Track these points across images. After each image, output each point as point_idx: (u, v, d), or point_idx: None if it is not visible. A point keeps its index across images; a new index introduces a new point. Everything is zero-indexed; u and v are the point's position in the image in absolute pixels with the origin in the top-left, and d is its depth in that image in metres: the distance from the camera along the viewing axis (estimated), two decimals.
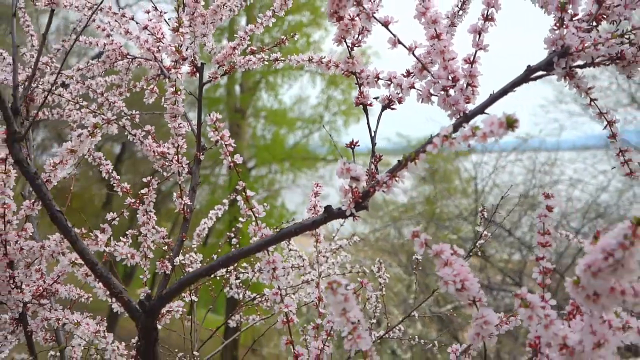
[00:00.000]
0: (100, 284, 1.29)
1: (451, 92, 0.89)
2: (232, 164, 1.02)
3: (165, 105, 1.31)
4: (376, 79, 0.98)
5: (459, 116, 0.87)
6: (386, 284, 2.11)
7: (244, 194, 1.02)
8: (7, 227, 1.21)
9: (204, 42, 1.58)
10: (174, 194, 1.46)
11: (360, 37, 0.97)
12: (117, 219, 1.33)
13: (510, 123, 0.64)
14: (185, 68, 1.54)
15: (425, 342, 2.39)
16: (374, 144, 0.97)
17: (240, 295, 2.14)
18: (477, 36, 0.88)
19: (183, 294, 1.89)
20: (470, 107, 0.87)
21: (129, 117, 1.54)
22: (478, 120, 0.84)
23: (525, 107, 9.80)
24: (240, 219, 2.02)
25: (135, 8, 10.64)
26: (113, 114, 1.65)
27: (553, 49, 0.81)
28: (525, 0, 0.90)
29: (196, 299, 1.91)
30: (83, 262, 1.13)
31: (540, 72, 0.83)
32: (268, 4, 8.56)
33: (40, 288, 1.32)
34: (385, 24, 0.91)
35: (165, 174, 1.49)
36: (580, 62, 0.82)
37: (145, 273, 1.46)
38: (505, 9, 0.92)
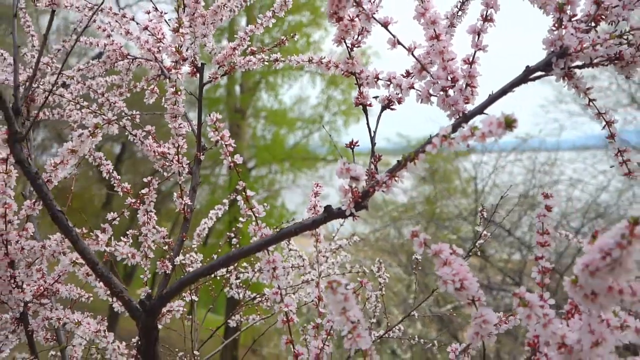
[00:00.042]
0: (101, 283, 1.29)
1: (450, 92, 0.89)
2: (232, 164, 1.02)
3: (165, 106, 1.31)
4: (376, 80, 0.98)
5: (458, 116, 0.88)
6: (386, 284, 2.12)
7: (244, 194, 1.02)
8: (8, 227, 1.22)
9: (204, 42, 1.58)
10: (174, 194, 1.46)
11: (359, 38, 0.98)
12: (118, 218, 1.33)
13: (508, 123, 0.65)
14: (186, 68, 1.54)
15: (425, 342, 2.40)
16: (373, 144, 0.97)
17: (241, 295, 2.15)
18: (476, 37, 0.89)
19: (183, 294, 1.89)
20: (470, 107, 0.88)
21: (129, 117, 1.54)
22: (477, 120, 0.84)
23: (525, 107, 9.80)
24: (241, 219, 2.03)
25: (135, 8, 10.65)
26: (114, 114, 1.66)
27: (552, 49, 0.82)
28: (524, 1, 0.90)
29: (196, 299, 1.92)
30: (84, 262, 1.13)
31: (539, 73, 0.83)
32: (268, 4, 8.56)
33: (41, 288, 1.32)
34: (385, 25, 0.91)
35: (165, 174, 1.49)
36: (578, 63, 0.82)
37: (146, 273, 1.46)
38: (505, 9, 0.92)
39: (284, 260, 1.99)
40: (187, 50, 1.47)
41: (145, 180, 1.38)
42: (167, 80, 1.42)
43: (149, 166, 9.56)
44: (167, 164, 1.45)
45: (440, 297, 7.36)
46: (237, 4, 1.53)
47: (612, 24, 0.84)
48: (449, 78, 0.89)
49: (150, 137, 1.49)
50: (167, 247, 1.51)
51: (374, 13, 0.90)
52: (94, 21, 1.57)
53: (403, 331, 2.17)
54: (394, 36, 0.92)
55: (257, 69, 1.65)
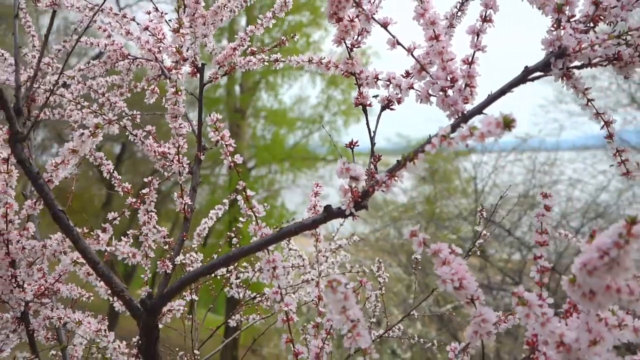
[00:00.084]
0: (102, 283, 1.30)
1: (450, 92, 0.89)
2: (232, 164, 1.03)
3: (166, 106, 1.32)
4: (375, 80, 0.99)
5: (457, 116, 0.88)
6: (386, 284, 2.12)
7: (244, 193, 1.02)
8: (9, 227, 1.22)
9: (205, 42, 1.59)
10: (175, 193, 1.47)
11: (359, 38, 0.98)
12: (119, 218, 1.33)
13: (507, 123, 0.65)
14: (186, 68, 1.55)
15: (424, 342, 2.40)
16: (373, 144, 0.98)
17: (241, 295, 2.15)
18: (476, 37, 0.89)
19: (183, 293, 1.90)
20: (469, 107, 0.88)
21: (129, 118, 1.55)
22: (476, 120, 0.85)
23: (525, 107, 9.80)
24: (241, 219, 2.04)
25: (135, 8, 10.65)
26: (114, 114, 1.66)
27: (550, 49, 0.82)
28: (523, 2, 0.90)
29: (196, 298, 1.92)
30: (85, 261, 1.14)
31: (538, 73, 0.83)
32: (268, 4, 8.57)
33: (42, 287, 1.33)
34: (385, 25, 0.91)
35: (165, 173, 1.49)
36: (577, 63, 0.83)
37: (147, 272, 1.46)
38: (504, 10, 0.93)
39: (284, 259, 2.00)
40: (187, 50, 1.48)
41: (145, 180, 1.38)
42: (168, 80, 1.42)
43: (149, 166, 9.57)
44: (167, 163, 1.46)
45: (440, 296, 7.36)
46: (238, 5, 1.54)
47: (610, 25, 0.84)
48: (448, 78, 0.89)
49: (150, 137, 1.50)
50: (167, 246, 1.51)
51: (374, 14, 0.90)
52: (95, 21, 1.57)
53: (403, 331, 2.17)
54: (393, 37, 0.92)
55: (257, 69, 1.65)
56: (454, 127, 0.85)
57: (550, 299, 0.77)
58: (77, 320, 1.26)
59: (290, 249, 2.06)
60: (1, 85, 1.65)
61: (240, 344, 8.34)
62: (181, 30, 1.30)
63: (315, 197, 1.22)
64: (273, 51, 1.64)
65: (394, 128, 10.97)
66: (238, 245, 2.18)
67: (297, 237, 1.08)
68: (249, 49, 1.63)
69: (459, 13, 1.04)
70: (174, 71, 1.27)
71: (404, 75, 0.97)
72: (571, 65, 0.82)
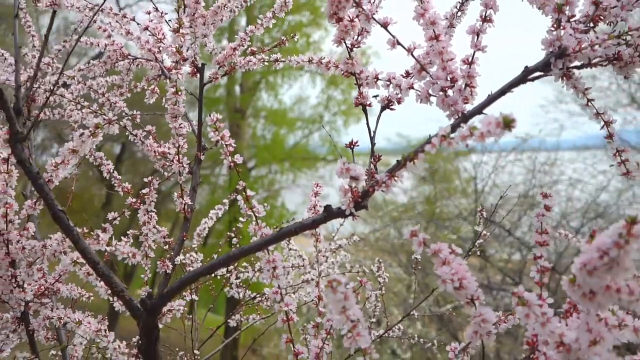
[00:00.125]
0: (102, 282, 1.30)
1: (450, 92, 0.89)
2: (232, 164, 1.03)
3: (166, 106, 1.32)
4: (375, 80, 0.99)
5: (457, 116, 0.88)
6: (386, 284, 2.12)
7: (244, 193, 1.02)
8: (9, 227, 1.22)
9: (205, 42, 1.59)
10: (175, 193, 1.47)
11: (359, 38, 0.98)
12: (119, 218, 1.34)
13: (507, 123, 0.65)
14: (186, 68, 1.55)
15: (424, 341, 2.40)
16: (373, 144, 0.98)
17: (241, 295, 2.15)
18: (476, 37, 0.89)
19: (184, 293, 1.90)
20: (469, 107, 0.88)
21: (129, 118, 1.55)
22: (476, 120, 0.85)
23: (525, 107, 9.80)
24: (241, 219, 2.04)
25: (135, 8, 10.66)
26: (114, 114, 1.66)
27: (550, 50, 0.82)
28: (524, 2, 0.90)
29: (196, 298, 1.92)
30: (85, 261, 1.14)
31: (538, 73, 0.84)
32: (268, 4, 8.57)
33: (42, 287, 1.33)
34: (385, 25, 0.91)
35: (166, 173, 1.50)
36: (577, 63, 0.83)
37: (147, 272, 1.46)
38: (504, 10, 0.93)
39: (284, 259, 2.00)
40: (187, 50, 1.48)
41: (145, 180, 1.38)
42: (168, 80, 1.42)
43: (149, 166, 9.57)
44: (167, 163, 1.46)
45: (440, 297, 7.36)
46: (238, 5, 1.54)
47: (610, 25, 0.84)
48: (448, 78, 0.89)
49: (150, 137, 1.50)
50: (167, 246, 1.52)
51: (374, 14, 0.91)
52: (95, 21, 1.57)
53: (403, 331, 2.17)
54: (393, 37, 0.92)
55: (257, 69, 1.65)
56: (454, 127, 0.85)
57: (550, 299, 0.77)
58: (77, 320, 1.26)
59: (290, 249, 2.06)
60: (1, 85, 1.65)
61: (240, 344, 8.35)
62: (181, 30, 1.30)
63: (315, 197, 1.22)
64: (273, 51, 1.64)
65: (394, 128, 10.97)
66: (238, 245, 2.18)
67: (297, 237, 1.08)
68: (249, 49, 1.64)
69: (459, 13, 1.04)
70: (174, 71, 1.27)
71: (404, 75, 0.97)
72: (571, 65, 0.82)
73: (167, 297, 1.07)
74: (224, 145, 1.02)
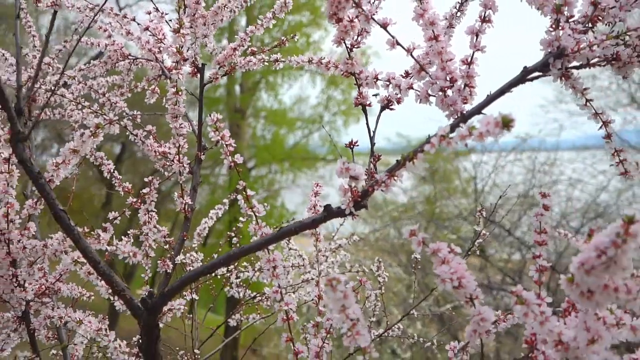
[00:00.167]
0: (103, 282, 1.30)
1: (449, 92, 0.90)
2: (232, 164, 1.03)
3: (166, 106, 1.32)
4: (375, 80, 0.99)
5: (456, 116, 0.89)
6: (386, 284, 2.13)
7: (244, 193, 1.03)
8: (10, 226, 1.22)
9: (205, 42, 1.59)
10: (175, 193, 1.47)
11: (359, 39, 0.99)
12: (119, 218, 1.34)
13: (506, 123, 0.66)
14: (186, 69, 1.55)
15: (424, 341, 2.41)
16: (373, 143, 0.98)
17: (241, 294, 2.15)
18: (475, 38, 0.89)
19: (184, 293, 1.90)
20: (468, 107, 0.89)
21: (130, 118, 1.55)
22: (475, 120, 0.85)
23: (524, 107, 9.80)
24: (241, 218, 2.04)
25: (135, 8, 10.67)
26: (115, 114, 1.66)
27: (549, 50, 0.83)
28: (523, 2, 0.91)
29: (197, 298, 1.93)
30: (86, 261, 1.14)
31: (537, 73, 0.84)
32: (269, 4, 8.57)
33: (43, 286, 1.33)
34: (384, 26, 0.92)
35: (166, 173, 1.50)
36: (576, 63, 0.83)
37: (147, 272, 1.47)
38: (503, 10, 0.93)
39: (284, 259, 2.00)
40: (187, 50, 1.48)
41: (146, 179, 1.39)
42: (168, 80, 1.43)
43: (149, 166, 9.58)
44: (167, 163, 1.46)
45: (440, 297, 7.36)
46: (238, 5, 1.54)
47: (609, 25, 0.85)
48: (448, 78, 0.90)
49: (151, 137, 1.50)
50: (167, 246, 1.52)
51: (373, 14, 0.91)
52: (95, 22, 1.57)
53: (403, 330, 2.18)
54: (392, 37, 0.93)
55: (257, 69, 1.66)
56: (453, 127, 0.85)
57: (549, 298, 0.77)
58: (78, 319, 1.27)
59: (290, 249, 2.06)
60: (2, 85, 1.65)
61: (240, 344, 8.35)
62: (182, 31, 1.30)
63: (315, 197, 1.22)
64: (273, 51, 1.65)
65: (394, 128, 10.97)
66: (238, 245, 2.18)
67: (297, 236, 1.08)
68: (249, 49, 1.64)
69: (458, 13, 1.04)
70: (174, 71, 1.28)
71: (404, 75, 0.97)
72: (570, 65, 0.83)
73: (168, 296, 1.08)
74: (224, 145, 1.03)
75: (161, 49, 1.55)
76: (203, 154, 1.53)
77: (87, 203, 10.65)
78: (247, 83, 11.24)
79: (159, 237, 1.42)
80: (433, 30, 0.89)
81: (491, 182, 8.86)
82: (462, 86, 0.89)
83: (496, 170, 8.79)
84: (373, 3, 0.91)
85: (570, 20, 0.83)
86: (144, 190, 1.35)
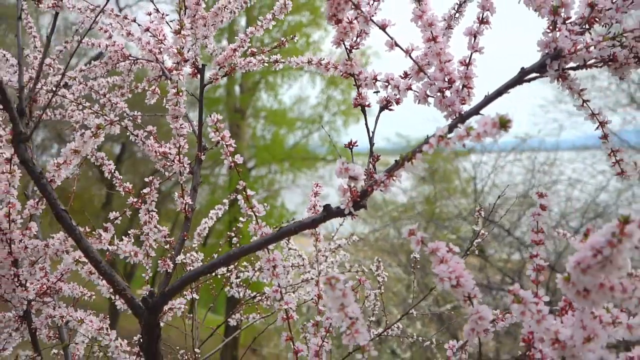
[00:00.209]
0: (104, 281, 1.31)
1: (447, 93, 0.91)
2: (232, 164, 1.04)
3: (167, 107, 1.33)
4: (374, 81, 1.00)
5: (454, 117, 0.90)
6: (385, 284, 2.13)
7: (244, 193, 1.03)
8: (12, 226, 1.23)
9: (205, 43, 1.60)
10: (176, 193, 1.48)
11: (358, 40, 0.99)
12: (120, 218, 1.35)
13: (503, 123, 0.67)
14: (187, 69, 1.56)
15: (423, 340, 2.41)
16: (372, 144, 0.99)
17: (241, 294, 2.16)
18: (473, 39, 0.90)
19: (184, 292, 1.91)
20: (466, 108, 0.89)
21: (130, 118, 1.56)
22: (473, 120, 0.86)
23: (524, 107, 9.81)
24: (241, 218, 2.05)
25: (134, 8, 10.68)
26: (115, 115, 1.67)
27: (546, 51, 0.83)
28: (520, 4, 0.91)
29: (197, 297, 1.93)
30: (87, 260, 1.15)
31: (534, 74, 0.85)
32: (268, 5, 8.58)
33: (44, 286, 1.34)
34: (383, 27, 0.93)
35: (166, 173, 1.51)
36: (572, 64, 0.84)
37: (148, 271, 1.48)
38: (501, 11, 0.94)
39: (284, 259, 2.01)
40: (188, 51, 1.49)
41: (146, 179, 1.40)
42: (169, 81, 1.44)
43: (149, 166, 9.59)
44: (168, 163, 1.47)
45: (440, 297, 7.37)
46: (238, 6, 1.55)
47: (605, 27, 0.85)
48: (446, 79, 0.91)
49: (151, 137, 1.51)
50: (168, 246, 1.53)
51: (372, 16, 0.92)
52: (96, 23, 1.58)
53: (402, 330, 2.18)
54: (391, 38, 0.93)
55: (257, 69, 1.67)
56: (451, 128, 0.86)
57: (546, 296, 0.78)
58: (79, 318, 1.27)
59: (290, 249, 2.07)
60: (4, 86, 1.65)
61: (240, 344, 8.36)
62: (182, 32, 1.31)
63: (315, 197, 1.23)
64: (273, 52, 1.65)
65: (393, 128, 10.98)
66: (238, 245, 2.19)
67: (297, 237, 1.09)
68: (249, 49, 1.65)
69: (457, 15, 1.05)
70: (175, 72, 1.29)
71: (402, 76, 0.98)
72: (567, 66, 0.84)
73: (169, 295, 1.08)
74: (225, 146, 1.03)
75: (161, 49, 1.56)
76: (203, 154, 1.53)
77: (88, 203, 10.66)
78: (247, 83, 11.24)
79: (159, 237, 1.43)
80: (431, 32, 0.90)
81: (491, 183, 8.87)
82: (460, 87, 0.90)
83: (496, 171, 8.79)
84: (372, 4, 0.92)
85: (567, 22, 0.84)
86: (145, 190, 1.35)
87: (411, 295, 7.57)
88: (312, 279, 1.95)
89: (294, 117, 11.87)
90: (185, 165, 1.45)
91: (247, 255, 1.17)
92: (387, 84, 0.99)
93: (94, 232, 1.25)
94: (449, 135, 0.73)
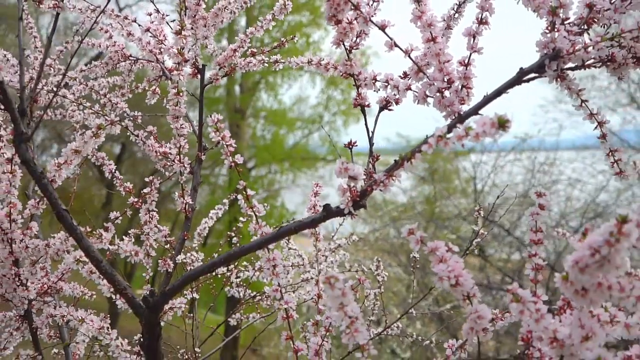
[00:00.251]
0: (105, 280, 1.31)
1: (446, 93, 0.91)
2: (233, 164, 1.04)
3: (167, 107, 1.33)
4: (374, 81, 1.00)
5: (454, 117, 0.90)
6: (385, 284, 2.14)
7: (244, 193, 1.04)
8: (13, 226, 1.23)
9: (205, 43, 1.60)
10: (176, 193, 1.48)
11: (358, 40, 1.00)
12: (120, 217, 1.35)
13: (501, 123, 0.67)
14: (187, 70, 1.56)
15: (422, 339, 2.42)
16: (371, 144, 0.99)
17: (241, 294, 2.17)
18: (472, 39, 0.91)
19: (184, 291, 1.91)
20: (465, 108, 0.90)
21: (131, 118, 1.56)
22: (472, 120, 0.86)
23: (524, 107, 9.80)
24: (241, 218, 2.05)
25: (134, 8, 10.68)
26: (116, 115, 1.68)
27: (545, 51, 0.84)
28: (519, 4, 0.92)
29: (197, 297, 1.94)
30: (88, 260, 1.15)
31: (533, 74, 0.85)
32: (268, 4, 8.58)
33: (45, 285, 1.35)
34: (382, 28, 0.93)
35: (167, 173, 1.51)
36: (571, 65, 0.84)
37: (148, 271, 1.48)
38: (500, 12, 0.94)
39: (284, 259, 2.01)
40: (188, 51, 1.49)
41: (146, 179, 1.40)
42: (169, 81, 1.44)
43: (149, 166, 9.60)
44: (168, 163, 1.47)
45: (439, 296, 7.37)
46: (238, 6, 1.55)
47: (604, 27, 0.86)
48: (445, 79, 0.91)
49: (152, 137, 1.51)
50: (168, 246, 1.53)
51: (372, 16, 0.92)
52: (97, 23, 1.59)
53: (402, 330, 2.19)
54: (391, 39, 0.94)
55: (257, 69, 1.67)
56: (450, 128, 0.86)
57: (544, 295, 0.78)
58: (80, 318, 1.28)
59: (289, 249, 2.07)
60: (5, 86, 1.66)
61: (240, 344, 8.36)
62: (183, 32, 1.31)
63: (315, 197, 1.23)
64: (273, 52, 1.66)
65: (393, 128, 10.98)
66: (238, 245, 2.20)
67: (297, 237, 1.09)
68: (249, 50, 1.65)
69: (456, 15, 1.05)
70: (175, 72, 1.29)
71: (402, 76, 0.98)
72: (565, 66, 0.84)
73: (169, 294, 1.09)
74: (225, 146, 1.04)
75: (162, 50, 1.56)
76: (203, 154, 1.54)
77: (88, 203, 10.67)
78: (246, 83, 11.25)
79: (159, 236, 1.43)
80: (431, 32, 0.90)
81: (491, 182, 8.87)
82: (460, 87, 0.90)
83: (496, 170, 8.79)
84: (371, 5, 0.93)
85: (565, 23, 0.84)
86: (145, 190, 1.36)
87: (411, 295, 7.57)
88: (312, 278, 1.95)
89: (294, 117, 11.88)
90: (185, 165, 1.45)
91: (247, 255, 1.17)
92: (386, 84, 1.00)
93: (94, 232, 1.26)
94: (448, 135, 0.73)
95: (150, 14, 1.55)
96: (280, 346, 8.69)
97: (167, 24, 1.56)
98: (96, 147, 1.45)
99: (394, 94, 0.99)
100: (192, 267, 1.74)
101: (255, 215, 1.03)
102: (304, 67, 1.49)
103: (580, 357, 0.66)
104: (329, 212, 0.90)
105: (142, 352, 1.16)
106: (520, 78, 0.85)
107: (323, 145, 11.60)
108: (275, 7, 1.59)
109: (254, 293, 2.17)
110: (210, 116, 1.03)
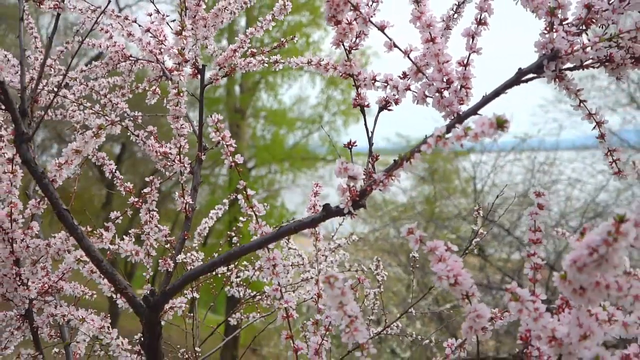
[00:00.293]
0: (106, 280, 1.32)
1: (445, 93, 0.91)
2: (233, 164, 1.05)
3: (168, 107, 1.34)
4: (373, 81, 1.01)
5: (453, 117, 0.90)
6: (385, 284, 2.14)
7: (244, 192, 1.04)
8: (14, 226, 1.24)
9: (205, 44, 1.61)
10: (176, 193, 1.49)
11: (357, 41, 1.00)
12: (120, 217, 1.36)
13: (500, 123, 0.67)
14: (187, 70, 1.57)
15: (422, 339, 2.42)
16: (371, 144, 1.00)
17: (241, 294, 2.17)
18: (471, 40, 0.91)
19: (185, 291, 1.92)
20: (464, 108, 0.90)
21: (131, 119, 1.57)
22: (471, 121, 0.87)
23: (524, 107, 9.80)
24: (241, 218, 2.06)
25: (134, 8, 10.68)
26: (116, 115, 1.68)
27: (543, 52, 0.84)
28: (517, 5, 0.92)
29: (197, 296, 1.94)
30: (89, 259, 1.16)
31: (531, 75, 0.86)
32: (268, 4, 8.59)
33: (46, 285, 1.35)
34: (382, 28, 0.93)
35: (167, 173, 1.51)
36: (569, 65, 0.85)
37: (148, 270, 1.49)
38: (498, 12, 0.95)
39: (284, 258, 2.02)
40: (188, 52, 1.50)
41: (147, 179, 1.40)
42: (169, 81, 1.44)
43: (149, 166, 9.60)
44: (169, 163, 1.48)
45: (439, 296, 7.38)
46: (238, 6, 1.55)
47: (602, 27, 0.86)
48: (444, 80, 0.91)
49: (152, 137, 1.52)
50: (168, 245, 1.53)
51: (371, 17, 0.93)
52: (97, 24, 1.59)
53: (402, 329, 2.19)
54: (390, 39, 0.94)
55: (257, 70, 1.67)
56: (449, 128, 0.87)
57: (543, 295, 0.79)
58: (81, 317, 1.28)
59: (289, 248, 2.07)
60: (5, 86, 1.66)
61: (240, 343, 8.36)
62: (183, 33, 1.32)
63: (315, 196, 1.23)
64: (273, 52, 1.66)
65: (393, 128, 10.98)
66: (238, 245, 2.20)
67: (297, 236, 1.10)
68: (249, 50, 1.65)
69: (455, 15, 1.06)
70: (175, 72, 1.29)
71: (401, 76, 0.99)
72: (564, 67, 0.84)
73: (170, 294, 1.09)
74: (225, 146, 1.04)
75: (162, 50, 1.56)
76: (204, 154, 1.54)
77: (88, 203, 10.67)
78: (246, 83, 11.25)
79: (160, 236, 1.44)
80: (430, 33, 0.91)
81: (490, 182, 8.87)
82: (459, 87, 0.91)
83: (495, 170, 8.79)
84: (371, 6, 0.93)
85: (564, 23, 0.85)
86: (145, 190, 1.36)
87: (411, 295, 7.57)
88: (311, 278, 1.95)
89: (294, 117, 11.89)
90: (185, 165, 1.46)
91: (247, 255, 1.18)
92: (385, 84, 1.00)
93: (95, 232, 1.26)
94: (447, 136, 0.74)
95: (150, 15, 1.55)
96: (280, 345, 8.69)
97: (167, 24, 1.56)
98: (96, 147, 1.45)
99: (394, 94, 0.99)
100: (192, 267, 1.75)
101: (255, 215, 1.03)
102: (304, 67, 1.49)
103: (578, 355, 0.67)
104: (328, 212, 0.91)
105: (142, 352, 1.16)
106: (518, 78, 0.86)
107: (323, 145, 11.61)
108: (275, 8, 1.59)
109: (254, 293, 2.18)
110: (211, 116, 1.03)
